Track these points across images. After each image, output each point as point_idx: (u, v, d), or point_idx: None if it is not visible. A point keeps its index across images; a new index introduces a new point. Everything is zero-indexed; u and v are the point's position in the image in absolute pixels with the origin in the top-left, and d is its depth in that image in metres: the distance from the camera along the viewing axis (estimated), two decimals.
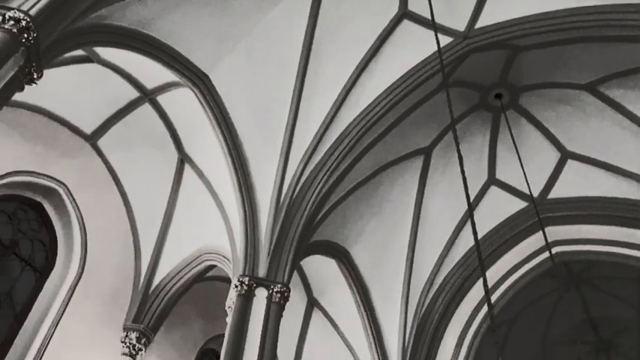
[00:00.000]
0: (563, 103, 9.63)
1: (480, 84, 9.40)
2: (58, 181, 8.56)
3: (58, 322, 7.80)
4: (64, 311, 7.91)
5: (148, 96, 8.66)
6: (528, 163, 9.92)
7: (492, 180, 10.65)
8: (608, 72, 8.88)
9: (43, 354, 7.46)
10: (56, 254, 8.49)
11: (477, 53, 8.57)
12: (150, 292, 9.17)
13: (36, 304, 7.95)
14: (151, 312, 8.99)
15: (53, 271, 8.32)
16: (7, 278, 7.80)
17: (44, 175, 8.40)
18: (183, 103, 8.58)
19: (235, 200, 8.42)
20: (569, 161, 10.24)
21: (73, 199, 8.65)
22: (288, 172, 8.65)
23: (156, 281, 9.27)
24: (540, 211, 9.57)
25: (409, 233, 10.37)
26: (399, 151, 9.74)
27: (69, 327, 7.84)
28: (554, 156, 10.29)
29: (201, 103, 8.26)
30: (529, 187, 9.04)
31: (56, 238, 8.59)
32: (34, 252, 8.28)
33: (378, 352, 10.09)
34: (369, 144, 8.98)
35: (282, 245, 8.23)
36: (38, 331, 7.70)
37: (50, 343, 7.59)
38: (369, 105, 8.74)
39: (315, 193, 8.64)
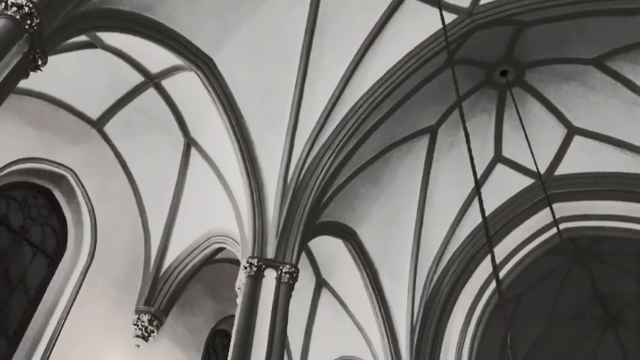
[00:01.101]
0: (570, 79, 9.55)
1: (485, 61, 9.32)
2: (65, 167, 8.61)
3: (71, 306, 7.90)
4: (76, 295, 8.01)
5: (152, 80, 8.66)
6: (535, 140, 9.88)
7: (499, 157, 10.61)
8: (614, 46, 8.79)
9: (57, 338, 7.57)
10: (67, 239, 8.58)
11: (482, 30, 8.49)
12: (160, 275, 9.28)
13: (48, 288, 8.05)
14: (162, 295, 9.11)
15: (64, 256, 8.42)
16: (19, 264, 7.90)
17: (52, 161, 8.45)
18: (187, 87, 8.58)
19: (242, 183, 8.45)
20: (576, 137, 10.18)
21: (82, 184, 8.71)
22: (294, 154, 8.66)
23: (166, 264, 9.37)
24: (547, 188, 9.56)
25: (416, 212, 10.39)
26: (405, 130, 9.72)
27: (82, 311, 7.94)
28: (560, 132, 10.23)
29: (205, 86, 8.24)
30: (536, 163, 9.02)
31: (66, 223, 8.67)
32: (45, 238, 8.37)
33: (386, 330, 10.20)
34: (374, 124, 8.95)
35: (290, 226, 8.28)
36: (52, 315, 7.81)
37: (64, 327, 7.70)
38: (374, 85, 8.70)
39: (322, 175, 8.66)
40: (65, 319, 7.76)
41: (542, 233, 10.83)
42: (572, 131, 10.16)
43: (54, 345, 7.49)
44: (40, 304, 7.88)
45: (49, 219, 8.55)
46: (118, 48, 8.10)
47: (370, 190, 10.02)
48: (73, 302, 7.94)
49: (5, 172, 7.75)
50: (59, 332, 7.63)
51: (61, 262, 8.35)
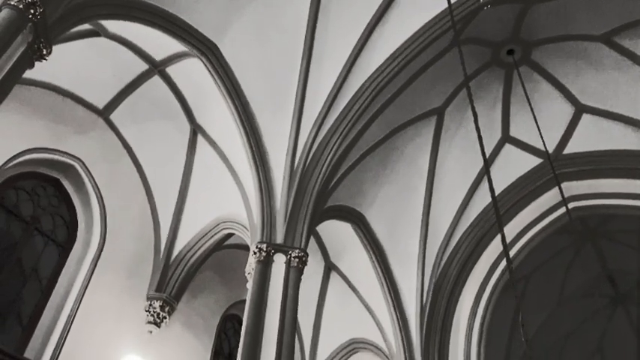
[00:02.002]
0: (577, 56, 9.44)
1: (491, 40, 9.22)
2: (73, 156, 8.65)
3: (83, 294, 7.98)
4: (88, 283, 8.09)
5: (157, 68, 8.64)
6: (543, 119, 9.78)
7: (506, 137, 10.55)
8: (623, 22, 8.66)
9: (70, 325, 7.67)
10: (77, 228, 8.64)
11: (488, 8, 8.37)
12: (171, 261, 9.35)
13: (61, 277, 8.13)
14: (172, 281, 9.19)
15: (75, 245, 8.49)
16: (31, 254, 7.97)
17: (59, 151, 8.48)
18: (192, 74, 8.56)
19: (249, 168, 8.47)
20: (584, 115, 10.08)
21: (90, 173, 8.75)
22: (301, 138, 8.65)
23: (176, 251, 9.44)
24: (556, 167, 9.49)
25: (424, 194, 10.37)
26: (412, 112, 9.66)
27: (94, 298, 8.03)
28: (568, 110, 10.14)
29: (210, 72, 8.22)
30: (544, 143, 8.94)
31: (76, 212, 8.73)
32: (56, 227, 8.43)
33: (396, 312, 10.24)
34: (380, 107, 8.90)
35: (298, 211, 8.30)
36: (65, 303, 7.90)
37: (77, 314, 7.78)
38: (380, 67, 8.62)
39: (329, 158, 8.65)
40: (78, 306, 7.85)
41: (550, 213, 10.79)
42: (580, 109, 10.06)
43: (68, 332, 7.59)
44: (53, 292, 7.96)
45: (59, 208, 8.60)
46: (121, 36, 8.07)
47: (378, 174, 10.01)
48: (85, 290, 8.02)
49: (14, 162, 7.79)
50: (72, 320, 7.71)
51: (72, 251, 8.42)
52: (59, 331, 7.61)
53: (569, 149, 10.37)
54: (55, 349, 7.37)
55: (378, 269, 10.43)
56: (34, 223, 8.09)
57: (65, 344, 7.48)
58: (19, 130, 7.85)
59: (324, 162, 8.62)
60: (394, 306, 10.29)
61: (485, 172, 10.22)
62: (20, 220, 7.94)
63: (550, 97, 10.02)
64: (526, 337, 3.43)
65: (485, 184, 10.44)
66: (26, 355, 7.24)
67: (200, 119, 9.25)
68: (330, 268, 11.24)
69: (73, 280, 8.12)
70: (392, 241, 10.51)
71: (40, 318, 7.70)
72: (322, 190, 8.66)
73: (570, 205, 10.06)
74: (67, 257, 8.35)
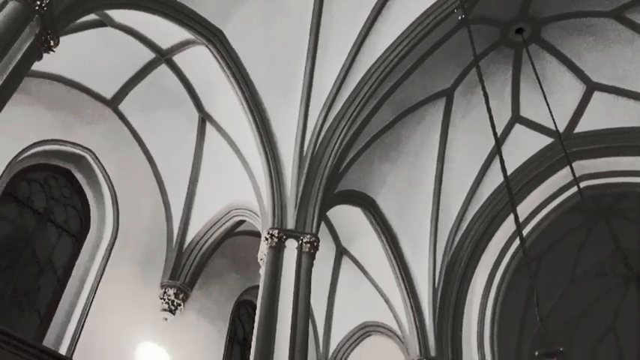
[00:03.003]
0: (587, 33, 9.31)
1: (499, 19, 9.10)
2: (83, 147, 8.69)
3: (98, 283, 8.06)
4: (102, 272, 8.17)
5: (164, 56, 8.63)
6: (553, 98, 9.69)
7: (516, 118, 10.46)
8: None
9: (87, 314, 7.76)
10: (90, 218, 8.72)
11: None
12: (183, 249, 9.42)
13: (75, 267, 8.22)
14: (186, 268, 9.26)
15: (88, 235, 8.57)
16: (46, 245, 8.06)
17: (70, 142, 8.53)
18: (199, 61, 8.54)
19: (258, 155, 8.48)
20: (596, 93, 9.96)
21: (100, 164, 8.80)
22: (309, 124, 8.64)
23: (188, 239, 9.50)
24: (567, 146, 9.41)
25: (434, 177, 10.34)
26: (420, 94, 9.59)
27: (109, 287, 8.11)
28: (579, 88, 10.02)
29: (217, 59, 8.21)
30: (554, 122, 8.85)
31: (88, 202, 8.80)
32: (68, 217, 8.51)
33: (408, 295, 10.28)
34: (388, 90, 8.84)
35: (309, 196, 8.31)
36: (80, 292, 7.99)
37: (93, 303, 7.87)
38: (387, 50, 8.55)
39: (338, 143, 8.63)
40: (93, 295, 7.93)
41: (562, 192, 10.72)
42: (591, 87, 9.94)
43: (85, 321, 7.69)
44: (69, 282, 8.06)
45: (71, 199, 8.68)
46: (127, 25, 8.06)
47: (387, 157, 9.98)
48: (99, 279, 8.10)
49: (25, 155, 7.85)
50: (89, 309, 7.80)
51: (85, 241, 8.50)
52: (76, 319, 7.71)
53: (580, 128, 10.27)
54: (72, 337, 7.48)
55: (390, 252, 10.45)
56: (47, 214, 8.17)
57: (82, 332, 7.58)
58: (30, 123, 7.89)
59: (333, 147, 8.61)
60: (406, 289, 10.32)
61: (496, 151, 10.22)
62: (33, 212, 8.02)
63: (560, 75, 9.91)
64: (541, 316, 3.43)
65: (495, 165, 10.40)
66: (44, 343, 7.34)
67: (208, 107, 9.25)
68: (341, 252, 11.28)
69: (87, 270, 8.21)
70: (403, 224, 10.51)
71: (57, 307, 7.80)
72: (332, 175, 8.65)
73: (582, 184, 10.00)
74: (81, 247, 8.43)
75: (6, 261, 7.43)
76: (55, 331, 7.56)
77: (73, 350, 7.35)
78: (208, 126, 9.38)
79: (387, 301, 10.71)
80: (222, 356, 9.47)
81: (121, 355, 7.86)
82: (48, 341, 7.40)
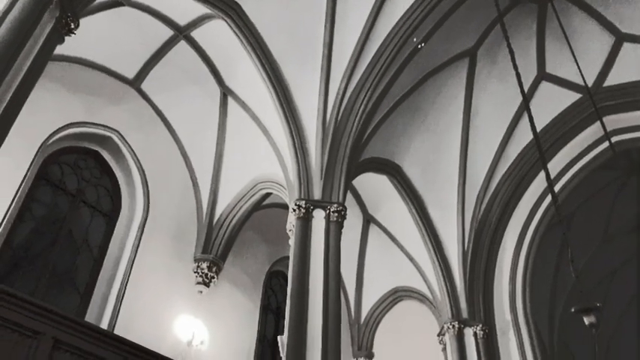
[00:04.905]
0: None
1: None
2: (109, 128, 8.82)
3: (133, 260, 8.27)
4: (137, 250, 8.37)
5: (182, 33, 8.63)
6: (580, 53, 9.34)
7: (542, 75, 10.20)
8: None
9: (124, 291, 7.97)
10: (120, 198, 8.90)
11: None
12: (213, 223, 9.57)
13: (110, 245, 8.44)
14: (217, 242, 9.42)
15: (121, 214, 8.77)
16: (80, 225, 8.27)
17: (96, 124, 8.67)
18: (217, 36, 8.51)
19: (281, 127, 8.47)
20: (625, 44, 9.64)
21: (127, 143, 8.93)
22: (331, 93, 8.57)
23: (217, 213, 9.64)
24: (596, 101, 9.13)
25: (459, 139, 10.21)
26: (442, 56, 9.41)
27: (144, 264, 8.32)
28: (607, 41, 9.70)
29: (235, 32, 8.16)
30: (583, 77, 8.57)
31: (118, 182, 8.97)
32: (100, 198, 8.70)
33: (438, 260, 10.29)
34: (409, 54, 8.69)
35: (334, 166, 8.31)
36: (117, 269, 8.21)
37: (129, 280, 8.08)
38: (406, 12, 8.39)
39: (360, 111, 8.56)
40: (129, 272, 8.14)
41: (593, 148, 10.48)
42: (620, 38, 9.62)
43: (122, 298, 7.90)
44: (105, 260, 8.29)
45: (101, 179, 8.85)
46: (144, 3, 8.07)
47: (411, 122, 9.87)
48: (134, 256, 8.30)
49: (54, 138, 8.01)
50: (125, 286, 8.01)
51: (118, 220, 8.70)
52: (114, 296, 7.94)
53: (609, 81, 9.98)
54: (112, 312, 7.72)
55: (417, 218, 10.43)
56: (79, 195, 8.36)
57: (121, 308, 7.81)
58: (56, 107, 8.02)
59: (356, 114, 8.54)
60: (436, 253, 10.33)
61: (523, 111, 10.02)
62: (66, 194, 8.22)
63: (587, 28, 9.59)
64: (576, 273, 3.40)
65: (522, 124, 10.20)
66: (86, 319, 7.59)
67: (229, 81, 9.25)
68: (368, 220, 11.31)
69: (122, 248, 8.42)
70: (429, 189, 10.46)
71: (95, 285, 8.03)
72: (356, 143, 8.61)
73: (613, 139, 9.77)
74: (115, 226, 8.63)
75: (43, 242, 7.66)
76: (96, 307, 7.81)
77: (114, 325, 7.58)
78: (230, 100, 9.40)
79: (416, 266, 10.74)
80: (257, 325, 9.69)
81: (160, 328, 8.08)
82: (89, 318, 7.65)
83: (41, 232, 7.68)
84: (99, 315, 7.74)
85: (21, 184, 7.23)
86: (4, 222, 6.86)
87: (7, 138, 4.61)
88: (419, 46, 8.22)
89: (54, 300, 7.24)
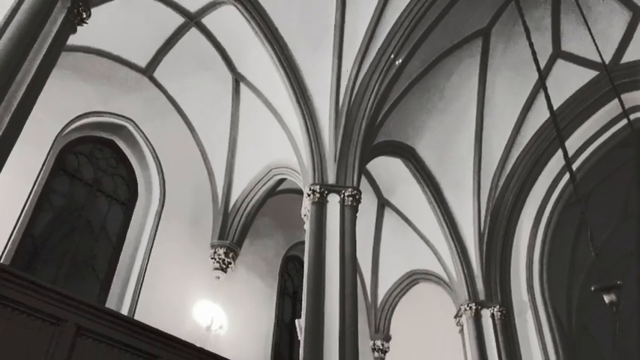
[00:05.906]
0: None
1: None
2: (124, 117, 8.87)
3: (151, 247, 8.35)
4: (154, 238, 8.44)
5: (193, 20, 8.62)
6: (596, 29, 9.14)
7: (558, 53, 10.02)
8: None
9: (143, 278, 8.06)
10: (137, 186, 8.98)
11: None
12: (229, 210, 9.63)
13: (128, 233, 8.54)
14: (233, 228, 9.48)
15: (137, 202, 8.85)
16: (98, 214, 8.37)
17: (110, 113, 8.72)
18: (228, 22, 8.48)
19: (294, 112, 8.46)
20: None
21: (142, 131, 8.99)
22: (343, 76, 8.53)
23: (232, 199, 9.69)
24: (614, 78, 8.95)
25: (474, 120, 10.10)
26: (455, 36, 9.28)
27: (162, 251, 8.39)
28: (625, 16, 9.48)
29: (245, 18, 8.13)
30: (600, 53, 8.41)
31: (134, 171, 9.04)
32: (117, 186, 8.78)
33: (454, 242, 10.25)
34: (422, 35, 8.60)
35: (347, 150, 8.28)
36: (135, 258, 8.30)
37: (147, 267, 8.16)
38: None
39: (373, 94, 8.50)
40: (148, 259, 8.23)
41: (611, 126, 10.29)
42: (638, 13, 9.39)
43: (141, 285, 7.99)
44: (123, 248, 8.38)
45: (117, 168, 8.93)
46: None
47: (425, 104, 9.79)
48: (152, 244, 8.38)
49: (70, 128, 8.08)
50: (144, 273, 8.10)
51: (135, 208, 8.79)
52: (133, 283, 8.04)
53: (627, 58, 9.76)
54: (132, 299, 7.82)
55: (432, 200, 10.39)
56: (96, 185, 8.45)
57: (141, 295, 7.91)
58: (70, 97, 8.08)
59: (369, 97, 8.49)
60: (452, 236, 10.29)
61: (538, 89, 9.86)
62: (83, 184, 8.30)
63: (603, 3, 9.37)
64: (596, 251, 3.37)
65: (538, 103, 10.06)
66: (107, 306, 7.71)
67: (241, 68, 9.23)
68: (383, 204, 11.29)
69: (140, 236, 8.51)
70: (444, 171, 10.39)
71: (115, 272, 8.14)
72: (370, 126, 8.57)
73: (632, 117, 9.59)
74: (132, 214, 8.72)
75: (63, 232, 7.76)
76: (116, 294, 7.92)
77: (134, 312, 7.69)
78: (242, 86, 9.39)
79: (432, 249, 10.72)
80: (274, 309, 9.77)
81: (179, 314, 8.18)
82: (109, 305, 7.76)
83: (60, 221, 7.79)
84: (119, 302, 7.85)
85: (38, 175, 7.32)
86: (24, 212, 6.96)
87: (23, 129, 4.67)
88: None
89: (74, 288, 7.35)
